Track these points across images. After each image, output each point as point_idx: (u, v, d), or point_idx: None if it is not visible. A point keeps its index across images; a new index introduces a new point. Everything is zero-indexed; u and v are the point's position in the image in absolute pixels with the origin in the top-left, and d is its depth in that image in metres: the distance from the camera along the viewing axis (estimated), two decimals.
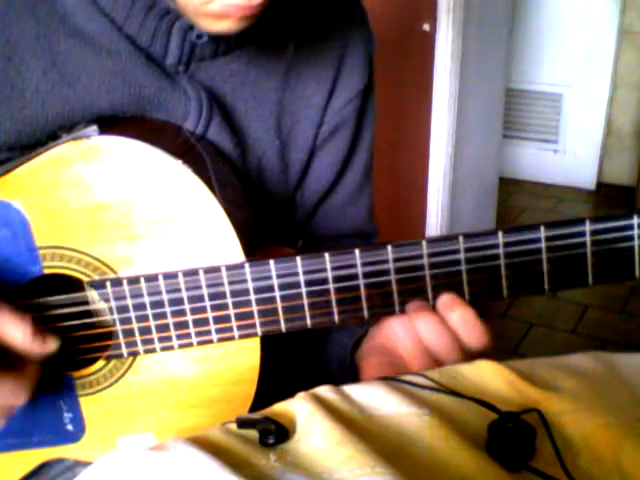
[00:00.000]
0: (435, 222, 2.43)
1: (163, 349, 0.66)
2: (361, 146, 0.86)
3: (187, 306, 0.64)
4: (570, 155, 3.83)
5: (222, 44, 0.70)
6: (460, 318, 0.64)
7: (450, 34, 2.19)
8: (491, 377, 0.61)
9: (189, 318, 0.64)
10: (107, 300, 0.65)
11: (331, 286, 0.63)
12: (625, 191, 3.73)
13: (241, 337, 0.65)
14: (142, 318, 0.65)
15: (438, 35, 2.21)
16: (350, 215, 0.88)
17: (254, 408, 0.67)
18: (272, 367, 0.69)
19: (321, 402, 0.57)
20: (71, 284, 0.65)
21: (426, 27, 2.20)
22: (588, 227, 0.62)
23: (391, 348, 0.68)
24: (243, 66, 0.73)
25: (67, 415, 0.68)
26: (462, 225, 2.55)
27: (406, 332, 0.66)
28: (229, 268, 0.63)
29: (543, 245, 0.62)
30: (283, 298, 0.64)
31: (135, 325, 0.65)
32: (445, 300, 0.64)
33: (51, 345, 0.61)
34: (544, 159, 3.89)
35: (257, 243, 0.69)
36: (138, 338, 0.65)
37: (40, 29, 0.64)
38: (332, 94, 0.80)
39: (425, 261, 0.63)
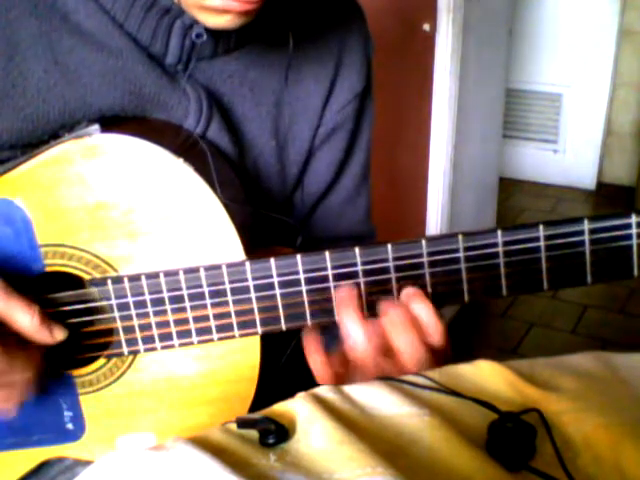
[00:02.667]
0: (435, 222, 2.43)
1: (164, 347, 0.66)
2: (359, 147, 0.86)
3: (187, 304, 0.64)
4: (570, 155, 3.83)
5: (221, 44, 0.70)
6: (422, 307, 0.64)
7: (450, 34, 2.19)
8: (491, 377, 0.61)
9: (189, 316, 0.65)
10: (108, 298, 0.65)
11: (331, 284, 0.64)
12: (625, 191, 3.73)
13: (241, 335, 0.65)
14: (143, 316, 0.65)
15: (438, 35, 2.21)
16: (347, 217, 0.89)
17: (254, 408, 0.67)
18: (271, 365, 0.69)
19: (321, 402, 0.57)
20: (72, 282, 0.65)
21: (426, 27, 2.20)
22: (587, 226, 0.62)
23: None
24: (242, 67, 0.73)
25: (67, 414, 0.68)
26: (462, 225, 2.55)
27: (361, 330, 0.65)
28: (230, 266, 0.63)
29: (542, 244, 0.62)
30: (283, 296, 0.64)
31: (136, 323, 0.65)
32: (409, 291, 0.65)
33: (58, 334, 0.63)
34: (544, 159, 3.89)
35: (257, 241, 0.69)
36: (139, 336, 0.66)
37: (41, 27, 0.64)
38: (330, 95, 0.80)
39: (425, 260, 0.63)
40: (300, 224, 0.86)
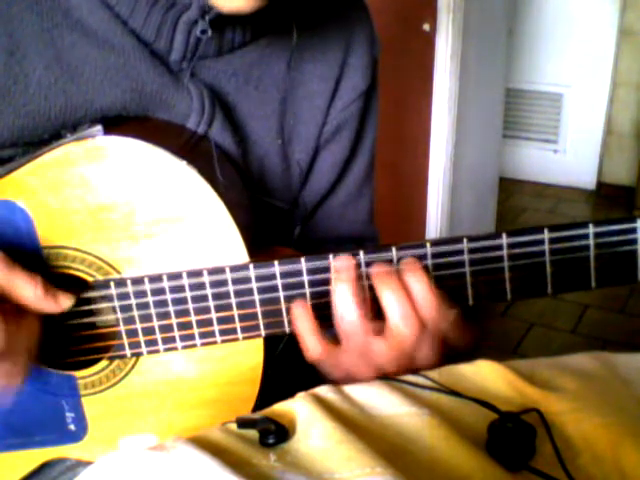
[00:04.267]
0: (435, 222, 2.43)
1: (166, 350, 0.66)
2: (363, 147, 0.86)
3: (191, 307, 0.64)
4: (570, 155, 3.83)
5: (226, 41, 0.70)
6: (415, 279, 0.62)
7: (450, 34, 2.19)
8: (491, 377, 0.61)
9: (193, 319, 0.64)
10: (111, 300, 0.65)
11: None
12: (625, 191, 3.73)
13: (245, 338, 0.65)
14: (146, 318, 0.65)
15: (438, 35, 2.21)
16: (349, 217, 0.88)
17: (254, 408, 0.67)
18: (266, 356, 0.69)
19: (321, 402, 0.58)
20: (75, 284, 0.65)
21: (426, 27, 2.20)
22: (591, 230, 0.62)
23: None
24: (246, 65, 0.73)
25: (69, 415, 0.68)
26: (462, 225, 2.55)
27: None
28: (233, 269, 0.63)
29: (546, 248, 0.62)
30: (287, 299, 0.64)
31: (139, 325, 0.65)
32: (408, 261, 0.63)
33: (64, 302, 0.62)
34: (544, 159, 3.89)
35: (262, 243, 0.69)
36: (141, 338, 0.66)
37: (43, 23, 0.64)
38: (335, 94, 0.80)
39: (429, 262, 0.63)
40: (302, 223, 0.86)
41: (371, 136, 0.86)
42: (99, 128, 0.62)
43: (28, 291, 0.60)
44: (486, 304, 0.65)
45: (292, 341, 0.69)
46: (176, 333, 0.65)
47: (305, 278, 0.63)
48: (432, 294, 0.62)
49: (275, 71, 0.75)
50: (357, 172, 0.86)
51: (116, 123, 0.66)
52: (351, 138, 0.83)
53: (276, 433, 0.54)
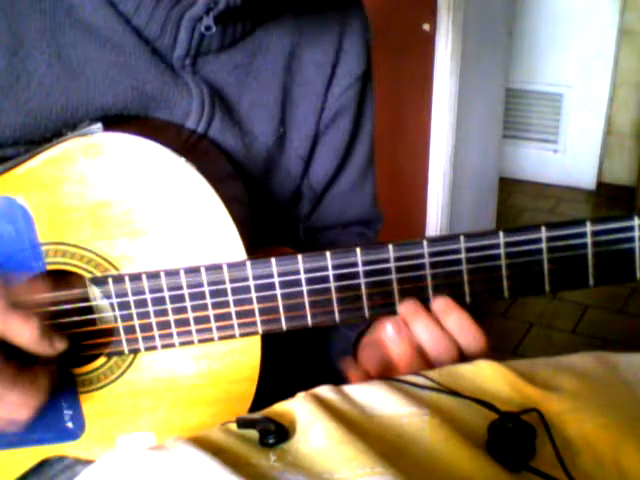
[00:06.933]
0: (435, 222, 2.43)
1: (164, 346, 0.66)
2: (363, 132, 0.87)
3: (188, 303, 0.64)
4: (570, 155, 3.82)
5: (228, 35, 0.70)
6: (456, 321, 0.65)
7: (450, 34, 2.19)
8: (491, 377, 0.61)
9: (190, 315, 0.64)
10: (109, 297, 0.65)
11: (332, 285, 0.63)
12: (625, 191, 3.72)
13: (242, 335, 0.65)
14: (143, 315, 0.65)
15: (438, 35, 2.21)
16: (354, 202, 0.89)
17: (254, 408, 0.67)
18: (271, 362, 0.69)
19: (321, 402, 0.58)
20: (73, 280, 0.65)
21: (426, 27, 2.20)
22: (589, 228, 0.62)
23: (383, 347, 0.68)
24: (246, 57, 0.74)
25: (67, 412, 0.68)
26: (462, 225, 2.55)
27: (399, 334, 0.66)
28: (230, 266, 0.63)
29: (544, 246, 0.62)
30: (284, 296, 0.64)
31: (136, 322, 0.65)
32: (440, 304, 0.65)
33: (58, 345, 0.61)
34: (544, 159, 3.89)
35: (259, 240, 0.69)
36: (139, 335, 0.66)
37: (46, 22, 0.64)
38: (332, 80, 0.80)
39: (426, 260, 0.63)
40: (308, 213, 0.86)
41: (370, 120, 0.87)
42: (99, 126, 0.62)
43: (24, 332, 0.59)
44: (484, 302, 0.65)
45: (291, 340, 0.69)
46: (173, 329, 0.65)
47: (302, 276, 0.63)
48: (478, 331, 0.66)
49: (273, 60, 0.76)
50: (359, 157, 0.87)
51: (116, 122, 0.66)
52: (351, 122, 0.84)
53: (276, 433, 0.54)
